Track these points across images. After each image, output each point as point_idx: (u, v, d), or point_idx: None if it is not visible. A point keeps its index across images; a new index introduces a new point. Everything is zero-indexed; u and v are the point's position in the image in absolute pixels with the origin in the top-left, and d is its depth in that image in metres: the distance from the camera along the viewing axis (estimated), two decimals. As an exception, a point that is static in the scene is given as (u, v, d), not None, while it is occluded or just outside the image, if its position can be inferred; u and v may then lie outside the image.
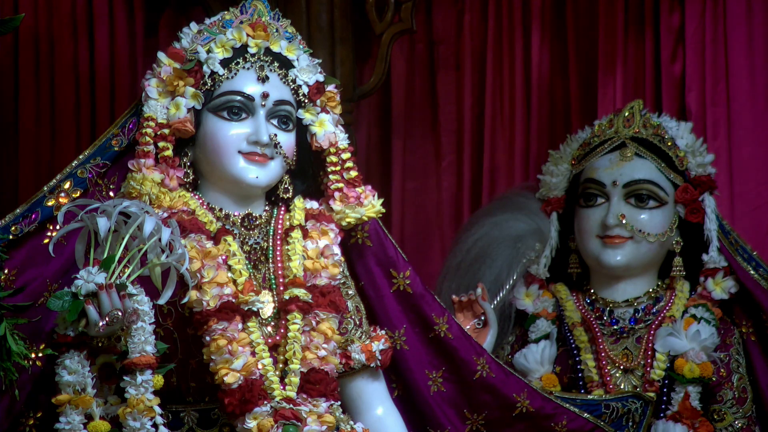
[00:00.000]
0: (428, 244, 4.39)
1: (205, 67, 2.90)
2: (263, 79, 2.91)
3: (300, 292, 2.84)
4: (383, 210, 3.02)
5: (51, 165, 4.00)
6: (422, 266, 4.27)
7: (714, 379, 3.54)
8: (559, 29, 4.33)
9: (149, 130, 2.87)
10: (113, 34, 4.09)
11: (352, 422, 2.92)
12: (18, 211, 2.84)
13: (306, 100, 2.97)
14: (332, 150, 2.99)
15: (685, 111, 4.21)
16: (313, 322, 2.84)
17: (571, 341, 3.65)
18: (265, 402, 2.74)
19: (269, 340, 2.82)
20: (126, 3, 4.11)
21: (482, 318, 3.48)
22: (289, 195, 2.99)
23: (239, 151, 2.88)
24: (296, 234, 2.92)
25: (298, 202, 2.98)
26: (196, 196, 2.92)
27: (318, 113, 2.98)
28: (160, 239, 2.63)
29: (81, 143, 4.03)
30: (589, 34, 4.32)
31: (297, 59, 2.97)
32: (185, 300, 2.75)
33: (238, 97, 2.89)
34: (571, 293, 3.73)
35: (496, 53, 4.32)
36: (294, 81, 2.96)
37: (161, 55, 2.91)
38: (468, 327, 3.44)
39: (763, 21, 4.22)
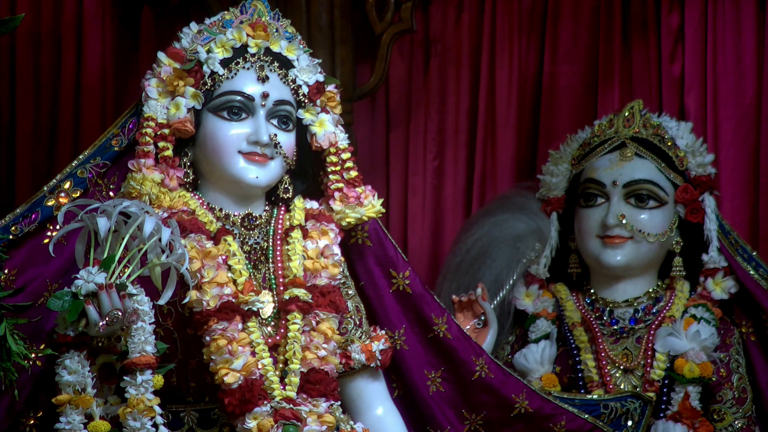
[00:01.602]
0: (428, 242, 4.39)
1: (205, 67, 2.90)
2: (263, 79, 2.91)
3: (300, 292, 2.84)
4: (383, 210, 3.02)
5: (48, 168, 3.98)
6: (429, 264, 4.29)
7: (714, 379, 3.54)
8: (555, 29, 4.32)
9: (149, 130, 2.88)
10: (104, 37, 4.07)
11: (352, 422, 2.93)
12: (18, 211, 2.84)
13: (306, 100, 2.97)
14: (332, 150, 2.99)
15: (683, 112, 4.21)
16: (313, 322, 2.84)
17: (571, 341, 3.65)
18: (265, 402, 2.74)
19: (269, 340, 2.82)
20: (117, 5, 4.10)
21: (482, 318, 3.48)
22: (289, 195, 2.99)
23: (239, 151, 2.88)
24: (296, 234, 2.92)
25: (298, 202, 2.98)
26: (196, 196, 2.92)
27: (318, 113, 2.99)
28: (160, 239, 2.63)
29: (64, 147, 4.02)
30: (586, 35, 4.31)
31: (297, 59, 2.97)
32: (185, 300, 2.75)
33: (238, 97, 2.89)
34: (571, 293, 3.73)
35: (492, 53, 4.32)
36: (294, 81, 2.96)
37: (161, 55, 2.91)
38: (468, 327, 3.44)
39: (763, 21, 4.22)
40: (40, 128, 4.03)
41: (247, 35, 2.92)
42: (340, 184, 2.99)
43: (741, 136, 4.22)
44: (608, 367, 3.59)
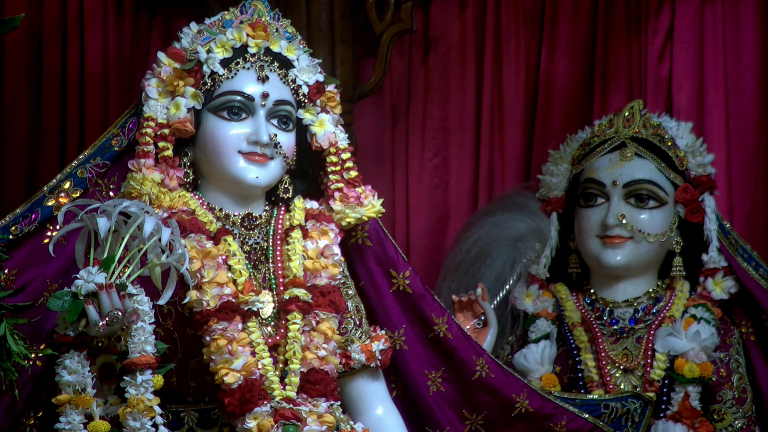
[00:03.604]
0: (429, 241, 4.38)
1: (205, 67, 2.90)
2: (263, 79, 2.91)
3: (300, 292, 2.84)
4: (383, 210, 3.02)
5: (40, 168, 3.96)
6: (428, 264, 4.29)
7: (714, 379, 3.54)
8: (556, 28, 4.32)
9: (149, 130, 2.88)
10: (106, 36, 4.06)
11: (352, 422, 2.92)
12: (18, 211, 2.84)
13: (306, 100, 2.97)
14: (332, 150, 2.99)
15: (679, 111, 4.21)
16: (313, 322, 2.84)
17: (571, 341, 3.65)
18: (265, 402, 2.74)
19: (269, 340, 2.82)
20: (118, 4, 4.08)
21: (482, 318, 3.48)
22: (289, 195, 2.99)
23: (239, 151, 2.88)
24: (296, 234, 2.92)
25: (298, 202, 2.98)
26: (196, 196, 2.92)
27: (318, 113, 2.99)
28: (160, 239, 2.63)
29: (67, 147, 4.00)
30: (587, 34, 4.32)
31: (297, 59, 2.97)
32: (185, 300, 2.75)
33: (238, 97, 2.89)
34: (571, 293, 3.73)
35: (494, 51, 4.32)
36: (294, 81, 2.96)
37: (161, 55, 2.92)
38: (468, 327, 3.44)
39: (755, 20, 4.22)
40: (34, 128, 4.02)
41: (247, 35, 2.92)
42: (340, 184, 2.99)
43: (738, 135, 4.23)
44: (608, 367, 3.59)
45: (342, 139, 3.01)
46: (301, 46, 2.99)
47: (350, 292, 3.01)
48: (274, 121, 2.92)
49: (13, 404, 2.74)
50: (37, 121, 4.01)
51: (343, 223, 2.99)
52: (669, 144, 3.67)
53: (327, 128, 2.98)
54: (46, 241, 2.79)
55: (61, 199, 2.85)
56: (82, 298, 2.56)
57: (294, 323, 2.82)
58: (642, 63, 4.24)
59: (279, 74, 2.94)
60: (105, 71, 4.02)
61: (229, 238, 2.86)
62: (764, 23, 4.23)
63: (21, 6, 3.94)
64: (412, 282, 3.09)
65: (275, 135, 2.90)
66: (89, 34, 4.02)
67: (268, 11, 2.99)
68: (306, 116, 2.97)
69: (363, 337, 3.00)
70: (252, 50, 2.92)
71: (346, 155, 3.00)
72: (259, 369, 2.76)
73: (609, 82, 4.28)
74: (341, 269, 2.97)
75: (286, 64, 2.95)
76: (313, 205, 3.00)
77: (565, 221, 3.75)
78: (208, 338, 2.75)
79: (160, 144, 2.88)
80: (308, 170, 3.02)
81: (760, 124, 4.22)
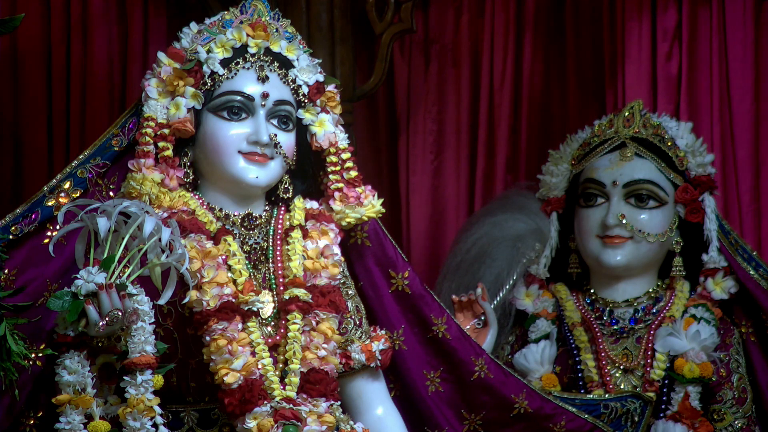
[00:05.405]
0: (428, 242, 4.39)
1: (205, 67, 2.90)
2: (263, 79, 2.91)
3: (300, 292, 2.84)
4: (383, 210, 3.02)
5: (50, 167, 3.98)
6: (430, 264, 4.29)
7: (714, 379, 3.54)
8: (555, 30, 4.33)
9: (149, 130, 2.88)
10: (109, 36, 4.06)
11: (352, 422, 2.93)
12: (18, 211, 2.84)
13: (306, 100, 2.97)
14: (332, 150, 2.99)
15: (679, 112, 4.22)
16: (313, 322, 2.84)
17: (571, 341, 3.65)
18: (265, 402, 2.75)
19: (269, 340, 2.82)
20: (118, 4, 4.09)
21: (482, 318, 3.48)
22: (289, 195, 2.99)
23: (239, 151, 2.89)
24: (296, 234, 2.92)
25: (298, 202, 2.99)
26: (196, 196, 2.92)
27: (318, 113, 2.99)
28: (160, 239, 2.63)
29: (71, 146, 4.00)
30: (586, 35, 4.32)
31: (297, 59, 2.97)
32: (185, 300, 2.75)
33: (238, 97, 2.89)
34: (571, 293, 3.73)
35: (492, 53, 4.32)
36: (294, 81, 2.96)
37: (161, 55, 2.92)
38: (468, 327, 3.44)
39: (760, 20, 4.23)
40: (49, 129, 4.02)
41: (247, 35, 2.92)
42: (340, 184, 2.99)
43: (739, 134, 4.24)
44: (608, 367, 3.59)
45: (342, 139, 3.01)
46: (301, 46, 3.00)
47: (350, 292, 3.01)
48: (274, 121, 2.92)
49: (13, 404, 2.74)
50: (50, 123, 4.02)
51: (343, 223, 2.99)
52: (669, 144, 3.67)
53: (327, 128, 2.98)
54: (46, 241, 2.79)
55: (61, 199, 2.85)
56: (82, 298, 2.56)
57: (294, 323, 2.83)
58: (645, 62, 4.25)
59: (279, 74, 2.94)
60: (101, 71, 4.03)
61: (229, 238, 2.86)
62: (755, 25, 4.24)
63: (34, 8, 3.95)
64: (412, 282, 3.09)
65: (275, 135, 2.90)
66: (86, 34, 4.02)
67: (268, 11, 2.99)
68: (306, 116, 2.98)
69: (363, 337, 3.00)
70: (252, 50, 2.93)
71: (346, 155, 3.00)
72: (259, 369, 2.77)
73: (611, 82, 4.28)
74: (341, 269, 2.97)
75: (286, 64, 2.95)
76: (313, 205, 3.00)
77: (565, 221, 3.75)
78: (208, 338, 2.75)
79: (160, 144, 2.88)
80: (308, 170, 3.02)
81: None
